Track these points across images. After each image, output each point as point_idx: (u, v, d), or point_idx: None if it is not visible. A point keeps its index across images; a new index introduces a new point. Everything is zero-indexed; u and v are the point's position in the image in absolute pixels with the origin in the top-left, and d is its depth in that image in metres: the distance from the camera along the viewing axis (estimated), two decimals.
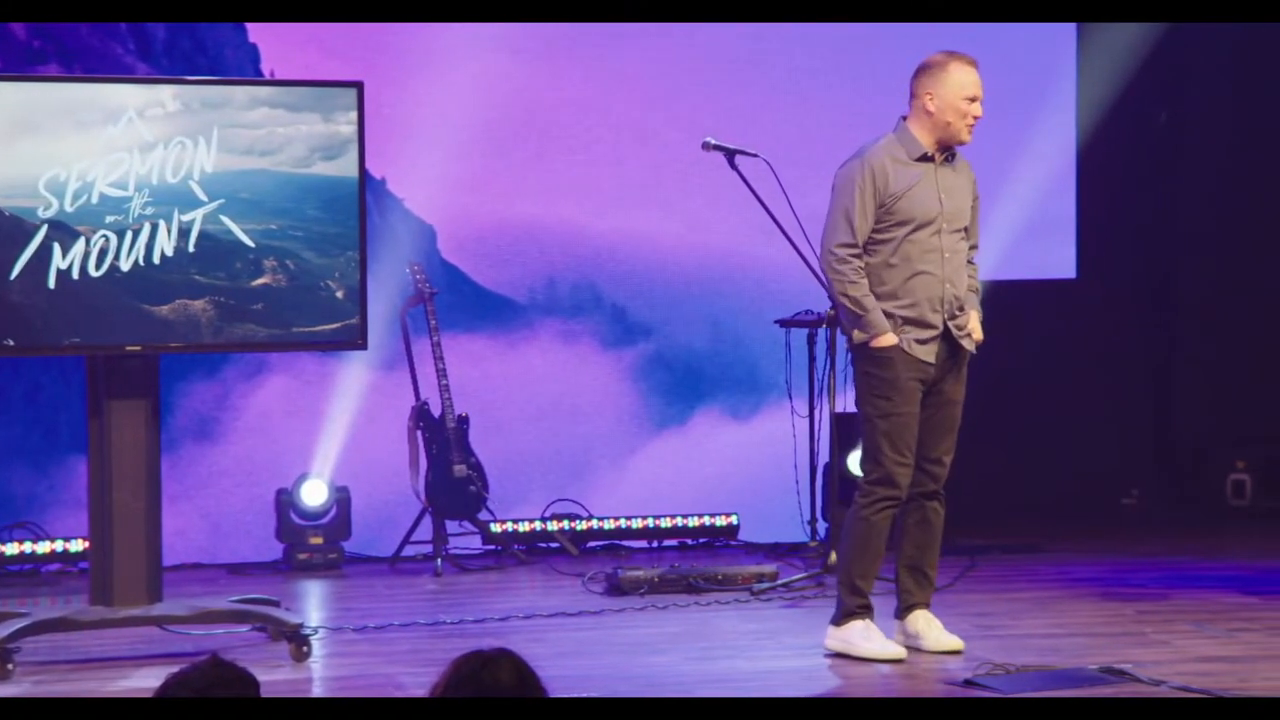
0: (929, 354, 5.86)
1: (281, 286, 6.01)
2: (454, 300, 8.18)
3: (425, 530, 7.87)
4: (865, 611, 5.91)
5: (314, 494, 7.83)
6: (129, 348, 5.89)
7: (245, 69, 7.92)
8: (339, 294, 6.06)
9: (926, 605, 6.00)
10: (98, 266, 5.83)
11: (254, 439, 8.05)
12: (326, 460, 7.92)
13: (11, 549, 7.63)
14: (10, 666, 5.65)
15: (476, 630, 6.41)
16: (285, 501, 7.83)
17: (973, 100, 5.88)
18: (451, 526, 7.90)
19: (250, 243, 5.96)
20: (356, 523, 7.92)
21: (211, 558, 7.93)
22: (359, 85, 6.06)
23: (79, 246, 5.81)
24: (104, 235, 5.83)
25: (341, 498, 7.88)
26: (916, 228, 5.84)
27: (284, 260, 6.02)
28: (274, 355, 7.90)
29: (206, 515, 7.97)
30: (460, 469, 7.81)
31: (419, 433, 7.83)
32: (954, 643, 5.91)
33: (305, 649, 5.92)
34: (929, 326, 5.85)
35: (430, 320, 7.83)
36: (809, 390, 7.89)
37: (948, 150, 5.93)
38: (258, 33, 7.95)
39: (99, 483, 5.92)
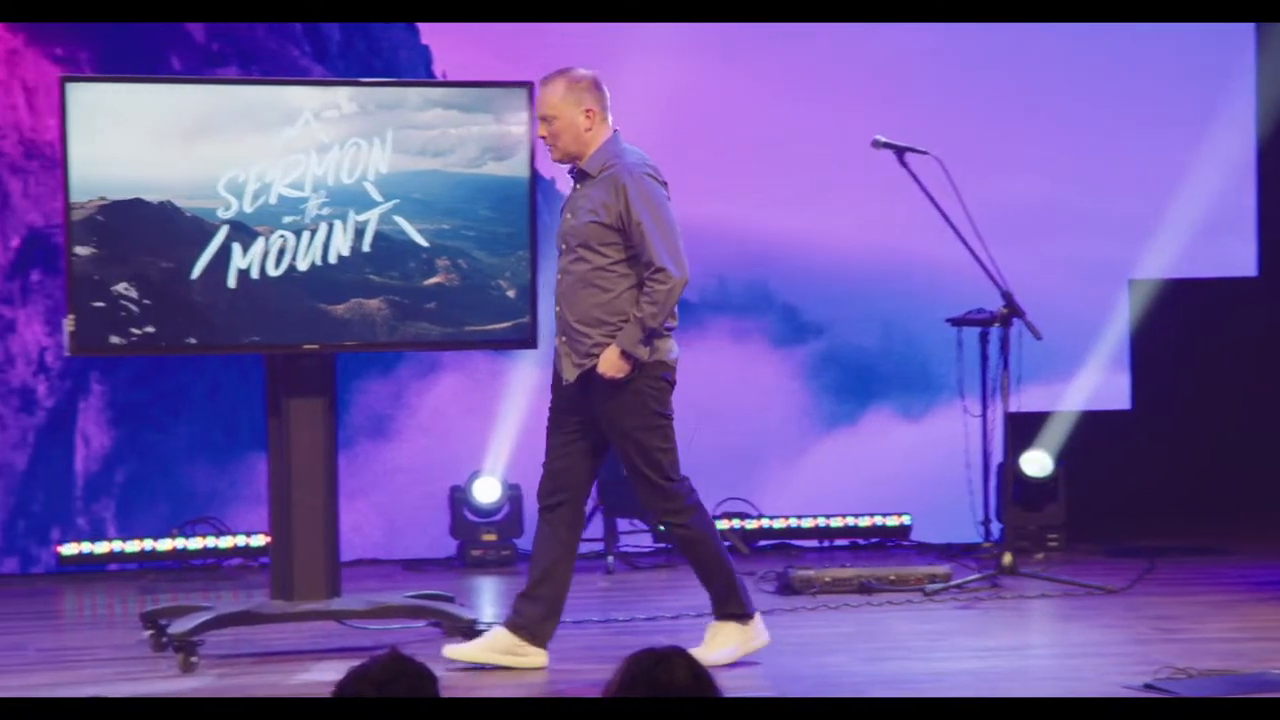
0: (564, 369, 5.75)
1: (454, 286, 6.06)
2: None
3: (597, 528, 7.90)
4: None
5: (487, 491, 7.89)
6: (306, 346, 5.98)
7: (418, 70, 8.01)
8: (510, 293, 6.10)
9: None
10: (276, 266, 5.92)
11: (428, 437, 8.14)
12: (499, 458, 7.99)
13: (195, 544, 7.79)
14: (194, 659, 5.76)
15: (648, 628, 6.42)
16: (459, 499, 7.91)
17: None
18: (623, 524, 7.93)
19: (423, 242, 6.02)
20: (529, 520, 7.98)
21: (387, 553, 8.03)
22: (530, 86, 6.09)
23: (258, 246, 5.91)
24: (282, 235, 5.93)
25: (514, 495, 7.93)
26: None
27: (456, 260, 6.08)
28: (447, 354, 7.98)
29: (382, 511, 8.07)
30: None
31: None
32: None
33: None
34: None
35: None
36: (981, 389, 7.81)
37: (584, 168, 5.71)
38: (430, 34, 8.04)
39: (279, 479, 6.02)
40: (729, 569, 5.80)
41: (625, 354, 5.58)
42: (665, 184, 5.73)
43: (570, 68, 5.74)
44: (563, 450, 5.76)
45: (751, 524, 8.23)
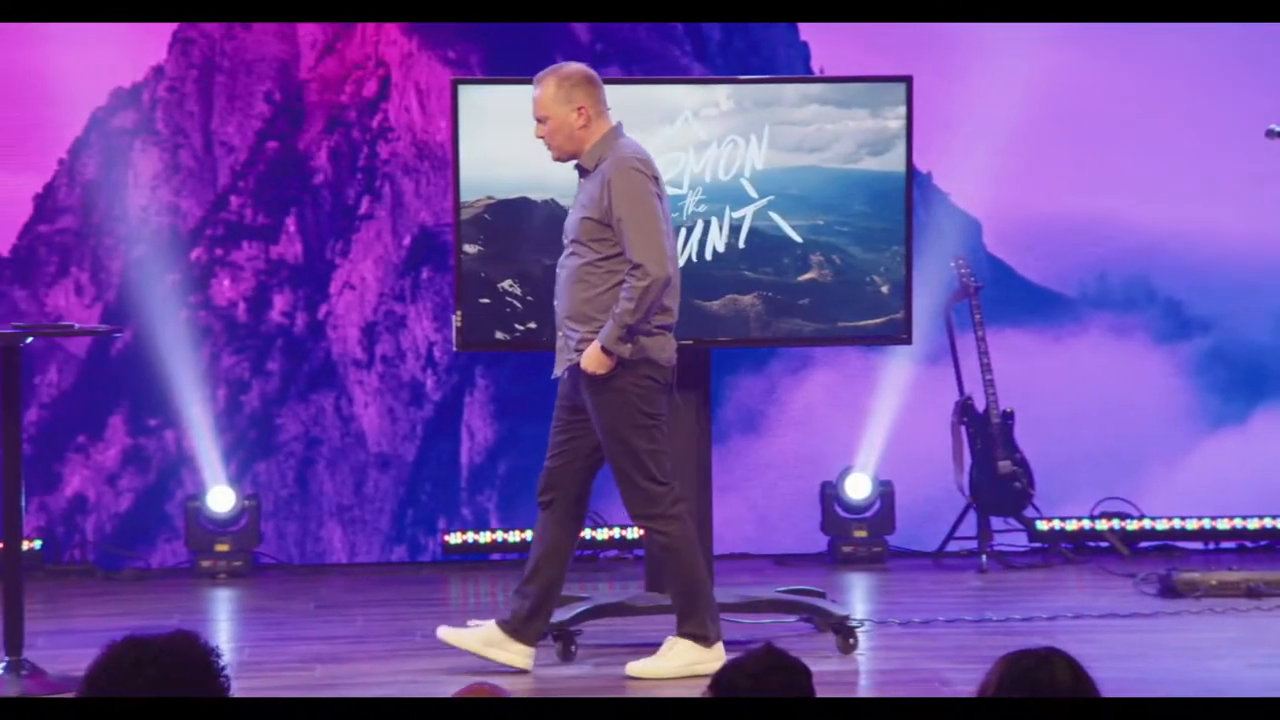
0: (558, 366, 5.68)
1: (827, 282, 6.07)
2: (999, 295, 8.08)
3: (969, 526, 7.82)
4: None
5: (858, 487, 7.88)
6: (682, 341, 6.05)
7: (795, 67, 8.03)
8: (884, 289, 6.08)
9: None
10: None
11: (799, 432, 8.17)
12: (871, 454, 7.96)
13: None
14: (573, 648, 5.90)
15: (1023, 629, 6.33)
16: (829, 494, 7.91)
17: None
18: (996, 523, 7.82)
19: (798, 238, 6.05)
20: (900, 516, 7.93)
21: (758, 548, 8.07)
22: (908, 80, 6.05)
23: None
24: None
25: (885, 491, 7.90)
26: None
27: (830, 255, 6.08)
28: (819, 349, 7.98)
29: (754, 506, 8.12)
30: (1005, 465, 7.71)
31: (962, 428, 7.79)
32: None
33: (852, 641, 5.96)
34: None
35: (975, 315, 7.77)
36: None
37: (584, 162, 5.59)
38: (809, 30, 8.04)
39: None
40: (698, 587, 5.66)
41: (607, 351, 5.51)
42: (657, 179, 5.62)
43: (562, 65, 5.70)
44: (558, 448, 5.78)
45: (1133, 524, 8.02)
